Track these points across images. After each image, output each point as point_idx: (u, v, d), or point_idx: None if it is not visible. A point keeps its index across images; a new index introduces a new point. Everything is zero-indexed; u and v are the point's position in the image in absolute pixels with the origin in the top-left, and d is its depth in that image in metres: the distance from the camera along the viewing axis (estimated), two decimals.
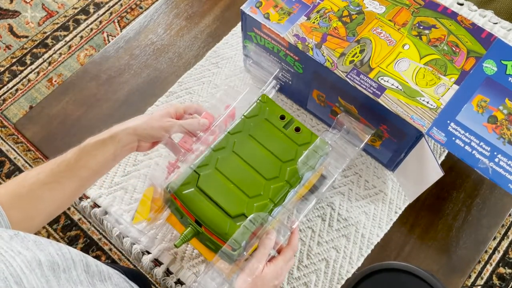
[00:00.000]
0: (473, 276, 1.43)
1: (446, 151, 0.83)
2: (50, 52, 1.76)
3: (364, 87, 0.69)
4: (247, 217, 0.62)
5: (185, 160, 0.67)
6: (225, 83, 0.89)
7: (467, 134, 0.66)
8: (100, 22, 1.82)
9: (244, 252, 0.62)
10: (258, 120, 0.69)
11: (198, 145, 0.68)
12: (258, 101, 0.71)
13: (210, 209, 0.63)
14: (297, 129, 0.69)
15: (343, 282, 0.73)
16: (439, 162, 0.75)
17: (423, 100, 0.68)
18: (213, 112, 0.70)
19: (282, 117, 0.69)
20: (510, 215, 1.47)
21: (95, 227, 1.49)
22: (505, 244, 1.48)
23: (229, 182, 0.65)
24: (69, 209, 1.49)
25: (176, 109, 0.68)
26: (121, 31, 1.73)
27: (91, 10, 1.85)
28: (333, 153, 0.68)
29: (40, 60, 1.75)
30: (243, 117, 0.69)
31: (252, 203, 0.63)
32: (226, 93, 0.75)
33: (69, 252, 0.49)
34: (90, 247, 1.46)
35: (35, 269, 0.43)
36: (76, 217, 1.50)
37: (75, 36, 1.80)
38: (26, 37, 1.79)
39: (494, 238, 1.48)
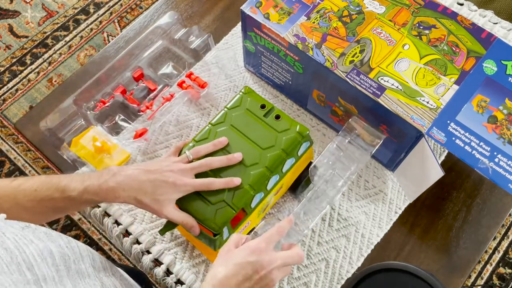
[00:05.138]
0: (473, 276, 1.43)
1: (446, 151, 0.83)
2: (50, 52, 1.76)
3: (364, 87, 0.69)
4: (228, 205, 0.63)
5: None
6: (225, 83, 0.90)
7: (467, 134, 0.66)
8: (100, 22, 1.82)
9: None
10: (239, 110, 0.71)
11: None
12: (240, 92, 0.72)
13: (194, 199, 0.64)
14: (277, 117, 0.70)
15: (343, 282, 0.73)
16: (439, 162, 0.75)
17: (423, 100, 0.68)
18: None
19: (263, 106, 0.71)
20: (510, 215, 1.47)
21: (95, 227, 1.49)
22: (505, 244, 1.48)
23: (211, 172, 0.66)
24: None
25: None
26: (121, 31, 1.73)
27: (91, 10, 1.85)
28: (342, 157, 0.68)
29: (40, 60, 1.75)
30: (225, 109, 0.71)
31: (233, 190, 0.64)
32: None
33: (77, 246, 0.50)
34: (90, 247, 1.46)
35: (46, 258, 0.43)
36: (76, 217, 1.50)
37: (75, 36, 1.80)
38: (26, 37, 1.79)
39: (494, 238, 1.48)
